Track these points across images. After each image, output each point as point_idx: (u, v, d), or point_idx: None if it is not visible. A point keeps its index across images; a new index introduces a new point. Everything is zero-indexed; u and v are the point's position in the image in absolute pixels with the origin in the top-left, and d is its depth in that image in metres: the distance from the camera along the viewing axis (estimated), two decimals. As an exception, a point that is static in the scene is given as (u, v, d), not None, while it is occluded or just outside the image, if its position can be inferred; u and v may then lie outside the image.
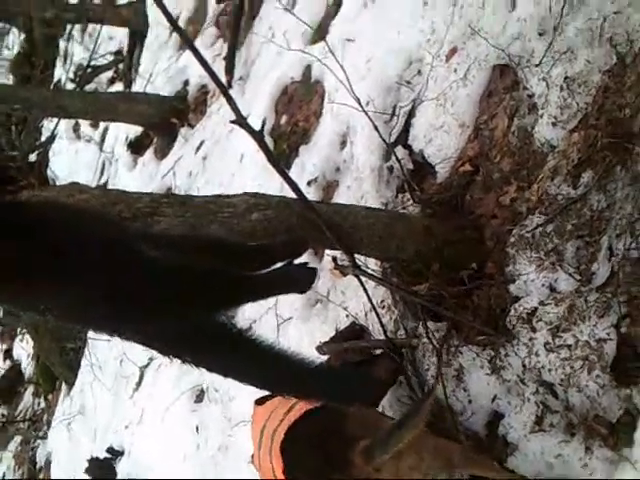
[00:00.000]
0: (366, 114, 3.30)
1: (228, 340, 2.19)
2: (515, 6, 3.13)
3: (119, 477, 5.43)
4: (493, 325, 2.77)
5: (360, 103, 3.30)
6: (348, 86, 3.29)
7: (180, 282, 1.96)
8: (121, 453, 5.57)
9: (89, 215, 2.08)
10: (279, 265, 2.31)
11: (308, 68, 4.56)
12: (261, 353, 2.26)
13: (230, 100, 2.34)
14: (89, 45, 9.57)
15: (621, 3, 2.64)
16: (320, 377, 2.48)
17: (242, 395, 4.25)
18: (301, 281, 2.25)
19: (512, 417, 2.61)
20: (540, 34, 2.94)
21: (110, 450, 5.66)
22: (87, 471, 5.64)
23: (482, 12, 3.29)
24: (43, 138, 10.10)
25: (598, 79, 2.67)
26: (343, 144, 4.05)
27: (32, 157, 9.82)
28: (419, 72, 3.59)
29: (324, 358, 3.42)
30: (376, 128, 3.30)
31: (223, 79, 5.19)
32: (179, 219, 2.36)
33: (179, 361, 2.16)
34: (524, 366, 2.60)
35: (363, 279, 2.93)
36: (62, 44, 10.87)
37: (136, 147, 7.29)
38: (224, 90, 2.29)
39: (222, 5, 6.47)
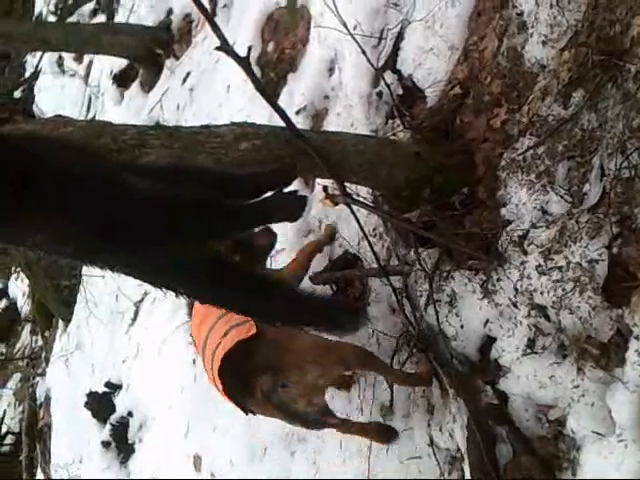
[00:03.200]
0: (353, 38, 3.22)
1: (221, 271, 2.18)
2: None
3: (118, 410, 5.51)
4: (485, 250, 2.75)
5: (347, 27, 3.22)
6: (334, 10, 3.20)
7: (170, 212, 1.94)
8: (119, 387, 5.64)
9: (73, 147, 2.04)
10: (269, 194, 2.29)
11: (293, -7, 4.44)
12: (256, 284, 2.26)
13: (215, 27, 2.28)
14: (69, -25, 9.30)
15: None
16: (316, 307, 2.48)
17: (237, 326, 4.28)
18: (291, 209, 2.23)
19: (504, 341, 2.62)
20: (530, -51, 2.85)
21: (108, 384, 5.73)
22: (86, 405, 5.71)
23: None
24: (27, 74, 9.88)
25: (588, -6, 2.60)
26: (331, 71, 3.98)
27: (17, 94, 9.63)
28: (406, -8, 3.49)
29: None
30: (364, 53, 3.23)
31: (207, 6, 5.04)
32: (167, 150, 2.33)
33: (173, 294, 2.15)
34: (516, 289, 2.59)
35: (354, 208, 2.91)
36: (42, -25, 10.57)
37: (122, 80, 7.14)
38: (209, 17, 2.23)
39: None
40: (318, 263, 3.68)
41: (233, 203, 2.15)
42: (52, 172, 1.76)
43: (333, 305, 2.61)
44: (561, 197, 2.53)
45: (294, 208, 2.23)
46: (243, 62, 2.35)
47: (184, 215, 1.97)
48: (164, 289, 2.10)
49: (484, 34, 3.04)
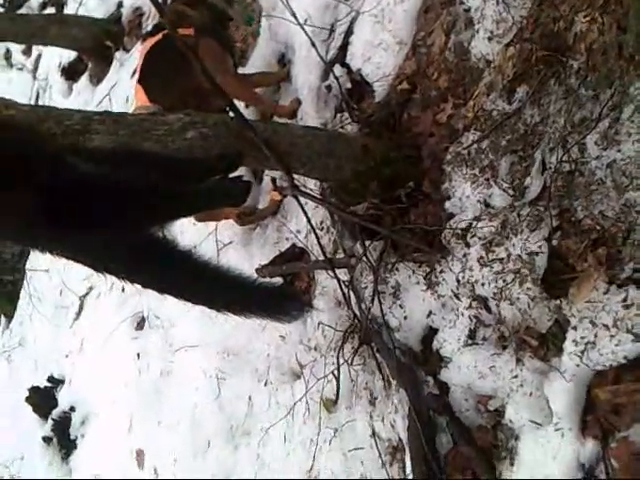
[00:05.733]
0: (304, 31, 3.21)
1: (164, 255, 2.16)
2: None
3: (60, 405, 5.43)
4: (429, 242, 2.78)
5: (298, 20, 3.21)
6: (285, 2, 3.20)
7: (115, 195, 1.91)
8: (62, 382, 5.56)
9: (16, 127, 2.00)
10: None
11: (245, -14, 4.43)
12: (198, 268, 2.24)
13: (165, 17, 2.29)
14: (19, -32, 9.15)
15: None
16: (257, 293, 2.46)
17: (183, 321, 4.26)
18: (235, 194, 2.22)
19: (446, 332, 2.66)
20: (476, -54, 2.89)
21: (51, 379, 5.64)
22: (28, 400, 5.61)
23: None
24: (-27, 67, 9.68)
25: (533, -9, 2.64)
26: (281, 63, 3.98)
27: (-38, 87, 9.42)
28: (357, -12, 3.51)
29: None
30: (314, 45, 3.21)
31: (158, -1, 4.99)
32: (111, 137, 2.29)
33: (113, 277, 2.12)
34: (458, 281, 2.63)
35: (302, 201, 2.91)
36: (-9, -33, 10.38)
37: (70, 73, 7.01)
38: (160, 9, 2.21)
39: None
40: (265, 256, 3.68)
41: (177, 187, 2.13)
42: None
43: (277, 292, 2.60)
44: (503, 190, 2.57)
45: (238, 193, 2.22)
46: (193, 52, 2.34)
47: (127, 198, 1.94)
48: (105, 273, 2.07)
49: (432, 30, 3.07)
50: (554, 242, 2.38)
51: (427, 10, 3.12)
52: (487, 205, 2.63)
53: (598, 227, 2.26)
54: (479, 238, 2.58)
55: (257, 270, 3.47)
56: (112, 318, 4.95)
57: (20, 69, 9.02)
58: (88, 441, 5.11)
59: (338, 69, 3.42)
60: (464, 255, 2.62)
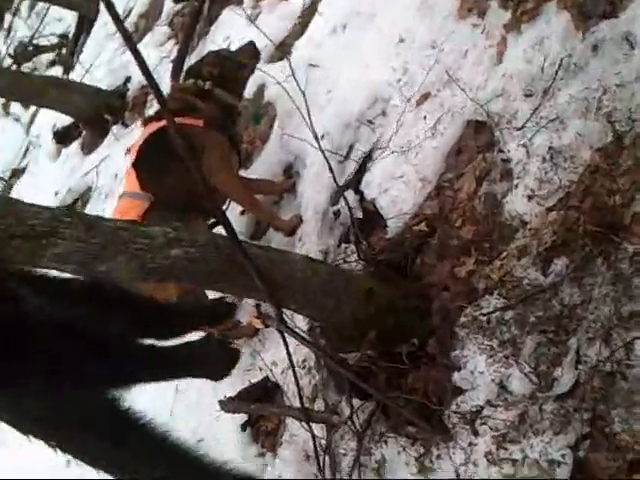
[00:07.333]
0: (320, 150, 2.92)
1: (107, 423, 1.75)
2: (502, 60, 2.84)
3: None
4: (427, 417, 2.38)
5: (316, 136, 2.92)
6: (305, 115, 2.91)
7: (65, 345, 1.52)
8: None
9: None
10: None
11: (261, 87, 4.21)
12: (143, 443, 1.83)
13: (165, 109, 2.02)
14: (35, 23, 9.15)
15: (626, 76, 2.34)
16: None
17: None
18: (216, 367, 1.85)
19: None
20: (527, 95, 2.64)
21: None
22: None
23: (463, 61, 3.02)
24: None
25: (588, 156, 2.35)
26: (287, 174, 3.71)
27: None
28: (384, 113, 3.28)
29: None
30: (330, 166, 2.93)
31: (167, 84, 4.75)
32: (80, 245, 1.95)
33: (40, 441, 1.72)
34: (457, 474, 2.22)
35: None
36: (7, 17, 10.39)
37: (62, 137, 6.95)
38: (162, 101, 1.92)
39: (179, 6, 6.10)
40: (233, 385, 3.26)
41: (148, 342, 1.73)
42: None
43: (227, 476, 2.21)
44: (525, 375, 2.20)
45: (222, 367, 1.85)
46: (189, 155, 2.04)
47: (83, 351, 1.55)
48: (29, 436, 1.66)
49: (461, 173, 2.78)
50: (581, 453, 2.00)
51: (460, 151, 2.84)
52: (504, 388, 2.24)
53: (638, 447, 1.89)
54: (490, 428, 2.19)
55: (221, 402, 3.05)
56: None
57: (17, 120, 8.91)
58: None
59: (351, 195, 3.12)
60: (469, 444, 2.23)
